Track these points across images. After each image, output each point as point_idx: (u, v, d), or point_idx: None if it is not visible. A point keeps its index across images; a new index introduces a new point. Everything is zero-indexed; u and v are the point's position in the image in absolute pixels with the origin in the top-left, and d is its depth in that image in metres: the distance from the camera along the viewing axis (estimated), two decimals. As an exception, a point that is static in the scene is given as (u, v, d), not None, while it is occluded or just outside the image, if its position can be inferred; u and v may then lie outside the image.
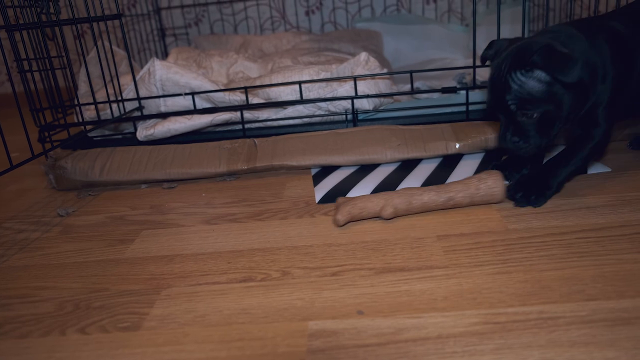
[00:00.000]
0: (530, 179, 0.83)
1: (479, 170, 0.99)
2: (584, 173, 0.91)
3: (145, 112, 1.24)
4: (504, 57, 0.77)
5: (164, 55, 2.40)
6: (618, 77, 0.80)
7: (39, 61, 1.28)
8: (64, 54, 1.30)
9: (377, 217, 0.82)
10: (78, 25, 1.17)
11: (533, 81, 0.74)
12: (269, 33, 2.34)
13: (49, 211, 1.02)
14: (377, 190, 0.94)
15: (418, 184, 0.94)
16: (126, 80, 1.41)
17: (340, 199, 0.84)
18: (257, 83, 1.25)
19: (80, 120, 1.27)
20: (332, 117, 1.22)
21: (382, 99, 1.22)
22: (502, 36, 1.19)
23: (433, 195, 0.80)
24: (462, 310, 0.56)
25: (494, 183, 0.81)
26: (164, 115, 1.22)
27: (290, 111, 1.22)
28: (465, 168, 1.00)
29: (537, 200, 0.80)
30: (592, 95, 0.79)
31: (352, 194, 0.93)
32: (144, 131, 1.20)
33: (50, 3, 1.22)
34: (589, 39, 0.79)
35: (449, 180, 0.95)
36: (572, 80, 0.71)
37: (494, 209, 0.81)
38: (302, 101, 1.19)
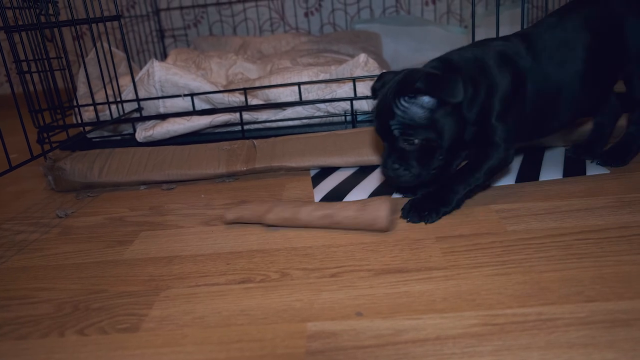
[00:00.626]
0: (429, 195, 0.82)
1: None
2: (487, 188, 0.90)
3: (144, 113, 1.24)
4: (390, 85, 0.79)
5: (163, 56, 2.40)
6: (508, 96, 0.80)
7: (38, 62, 1.28)
8: (63, 55, 1.30)
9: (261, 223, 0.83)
10: (77, 26, 1.16)
11: (416, 107, 0.76)
12: (268, 34, 2.34)
13: (48, 212, 1.02)
14: (377, 191, 0.94)
15: (417, 185, 0.94)
16: (125, 81, 1.41)
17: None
18: (257, 84, 1.25)
19: (79, 121, 1.27)
20: (331, 118, 1.22)
21: (381, 101, 1.22)
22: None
23: (316, 212, 0.79)
24: (461, 311, 0.56)
25: (376, 208, 0.76)
26: (163, 117, 1.22)
27: (290, 112, 1.22)
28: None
29: (429, 215, 0.79)
30: (471, 114, 0.79)
31: (351, 195, 0.94)
32: (143, 132, 1.20)
33: (49, 4, 1.22)
34: (475, 62, 0.81)
35: (448, 181, 0.95)
36: (459, 99, 0.73)
37: (493, 211, 0.81)
38: (301, 102, 1.19)
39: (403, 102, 0.76)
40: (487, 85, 0.79)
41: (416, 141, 0.77)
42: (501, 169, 0.84)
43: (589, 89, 0.86)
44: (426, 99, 0.75)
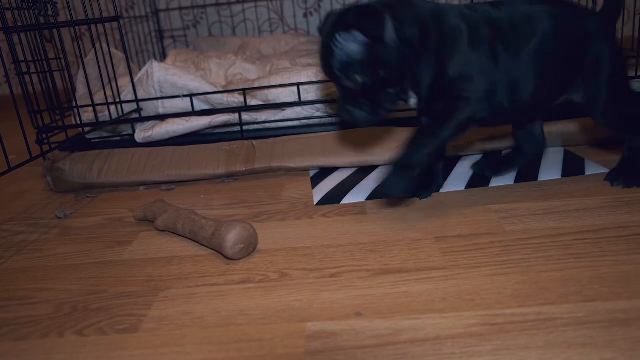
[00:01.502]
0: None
1: (477, 171, 0.99)
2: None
3: (144, 114, 1.24)
4: (328, 23, 0.76)
5: (162, 57, 2.40)
6: (467, 48, 0.76)
7: (37, 63, 1.28)
8: (62, 56, 1.30)
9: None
10: (76, 27, 1.17)
11: (352, 43, 0.72)
12: (267, 35, 2.34)
13: (47, 213, 1.02)
14: (376, 192, 0.94)
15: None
16: (124, 82, 1.41)
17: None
18: (256, 85, 1.25)
19: (79, 122, 1.27)
20: (330, 118, 1.22)
21: (380, 101, 1.22)
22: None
23: (187, 227, 0.79)
24: (460, 311, 0.56)
25: (222, 237, 0.72)
26: (162, 117, 1.22)
27: (289, 113, 1.22)
28: (464, 169, 1.01)
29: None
30: (426, 59, 0.76)
31: (350, 195, 0.94)
32: (142, 133, 1.20)
33: (48, 5, 1.22)
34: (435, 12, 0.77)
35: (447, 181, 0.95)
36: (388, 38, 0.71)
37: (492, 211, 0.81)
38: (300, 103, 1.19)
39: (339, 39, 0.73)
40: (442, 33, 0.76)
41: (359, 79, 0.74)
42: (472, 123, 0.78)
43: (544, 77, 0.81)
44: (359, 35, 0.72)
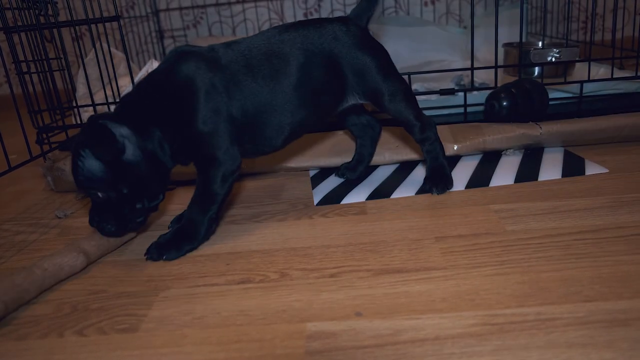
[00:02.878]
0: (176, 231, 0.79)
1: (476, 170, 0.99)
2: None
3: (144, 113, 1.24)
4: (76, 138, 0.75)
5: (163, 57, 2.40)
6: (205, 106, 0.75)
7: (37, 63, 1.28)
8: (62, 55, 1.30)
9: None
10: (76, 27, 1.17)
11: (91, 160, 0.72)
12: (267, 35, 2.33)
13: (47, 213, 1.02)
14: (376, 192, 0.94)
15: (416, 185, 0.94)
16: (124, 82, 1.41)
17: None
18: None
19: (79, 122, 1.27)
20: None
21: (380, 101, 1.22)
22: (500, 38, 1.20)
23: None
24: (460, 311, 0.56)
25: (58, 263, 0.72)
26: (162, 117, 1.21)
27: (289, 113, 1.22)
28: (463, 169, 1.01)
29: (169, 253, 0.76)
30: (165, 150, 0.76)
31: (350, 195, 0.94)
32: (142, 133, 1.20)
33: (49, 5, 1.22)
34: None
35: (447, 181, 0.95)
36: (127, 156, 0.72)
37: (492, 211, 0.81)
38: (300, 103, 1.19)
39: (82, 153, 0.72)
40: (176, 110, 0.76)
41: (100, 195, 0.73)
42: (233, 172, 0.78)
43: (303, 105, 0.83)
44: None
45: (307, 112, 0.83)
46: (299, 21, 0.87)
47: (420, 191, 0.91)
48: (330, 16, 2.35)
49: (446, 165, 0.93)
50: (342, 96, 0.87)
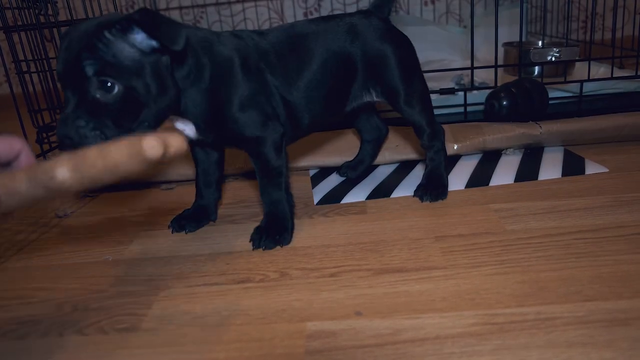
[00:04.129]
0: (270, 220, 0.79)
1: (476, 170, 0.99)
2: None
3: (144, 113, 1.24)
4: (89, 24, 0.62)
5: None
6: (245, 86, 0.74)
7: (37, 62, 1.28)
8: (62, 55, 1.30)
9: None
10: (76, 26, 1.16)
11: (124, 43, 0.61)
12: (267, 34, 2.33)
13: (47, 212, 1.02)
14: (376, 191, 0.94)
15: (416, 184, 0.94)
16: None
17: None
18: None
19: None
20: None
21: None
22: (500, 38, 1.20)
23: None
24: (460, 311, 0.56)
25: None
26: (162, 117, 1.21)
27: (289, 112, 1.22)
28: (463, 168, 1.01)
29: (282, 238, 0.77)
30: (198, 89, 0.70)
31: (350, 195, 0.94)
32: (142, 132, 1.20)
33: (48, 4, 1.22)
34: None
35: (448, 178, 0.95)
36: (178, 47, 0.60)
37: (492, 210, 0.81)
38: (300, 102, 1.19)
39: (107, 35, 0.60)
40: (216, 64, 0.72)
41: (116, 88, 0.60)
42: (281, 147, 0.78)
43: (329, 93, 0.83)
44: (140, 37, 0.61)
45: (324, 104, 0.83)
46: (322, 17, 0.88)
47: (414, 195, 0.91)
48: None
49: (445, 177, 0.91)
50: (358, 92, 0.86)
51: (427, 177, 0.92)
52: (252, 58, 0.76)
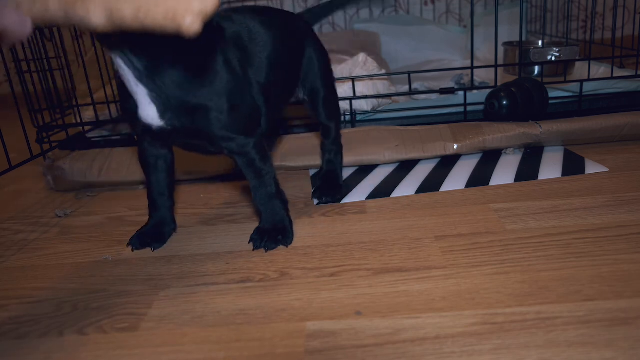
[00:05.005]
0: (268, 224, 0.78)
1: (476, 169, 0.99)
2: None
3: (144, 113, 1.23)
4: None
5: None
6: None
7: (37, 62, 1.28)
8: (62, 54, 1.30)
9: None
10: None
11: None
12: (267, 34, 2.33)
13: (47, 212, 1.02)
14: (376, 191, 0.94)
15: (416, 184, 0.95)
16: (124, 81, 1.40)
17: None
18: (256, 84, 1.25)
19: (79, 121, 1.27)
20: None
21: (380, 100, 1.22)
22: (500, 37, 1.20)
23: None
24: (460, 310, 0.56)
25: None
26: (162, 116, 1.21)
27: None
28: (463, 168, 1.01)
29: (285, 239, 0.76)
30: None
31: (350, 195, 0.94)
32: (142, 132, 1.20)
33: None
34: None
35: (447, 180, 0.95)
36: None
37: (492, 210, 0.81)
38: (300, 102, 1.19)
39: None
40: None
41: None
42: (263, 145, 0.74)
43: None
44: None
45: (282, 101, 0.85)
46: (264, 7, 0.86)
47: (313, 197, 0.92)
48: (331, 16, 2.35)
49: (341, 177, 0.96)
50: (297, 87, 0.89)
51: (324, 178, 0.95)
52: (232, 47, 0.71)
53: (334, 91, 0.93)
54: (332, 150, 0.95)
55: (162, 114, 0.65)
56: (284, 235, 0.76)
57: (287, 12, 0.91)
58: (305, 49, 0.88)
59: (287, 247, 0.76)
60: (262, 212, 0.78)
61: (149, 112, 0.65)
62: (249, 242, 0.77)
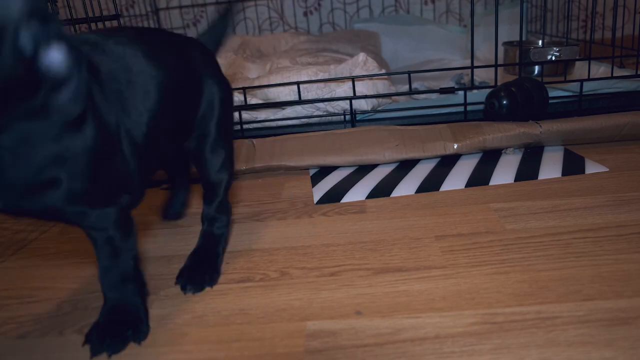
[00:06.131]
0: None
1: (476, 169, 0.99)
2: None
3: (144, 112, 1.23)
4: None
5: (162, 55, 2.39)
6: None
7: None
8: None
9: None
10: (76, 25, 1.16)
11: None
12: (267, 34, 2.33)
13: (47, 212, 1.02)
14: (376, 190, 0.94)
15: (416, 183, 0.95)
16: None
17: None
18: (256, 83, 1.25)
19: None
20: (330, 117, 1.22)
21: (380, 100, 1.22)
22: (500, 37, 1.20)
23: None
24: (460, 310, 0.56)
25: None
26: (162, 116, 1.21)
27: (289, 112, 1.22)
28: (463, 168, 1.01)
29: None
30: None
31: (350, 194, 0.94)
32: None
33: (48, 3, 1.22)
34: None
35: (447, 179, 0.95)
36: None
37: (492, 210, 0.81)
38: (300, 102, 1.19)
39: None
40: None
41: None
42: (128, 224, 0.58)
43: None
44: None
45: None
46: (148, 31, 0.67)
47: (177, 283, 0.68)
48: (331, 16, 2.36)
49: (221, 258, 0.72)
50: (189, 137, 0.70)
51: (196, 257, 0.71)
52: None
53: (229, 138, 0.73)
54: (217, 220, 0.74)
55: None
56: (136, 329, 0.56)
57: (181, 36, 0.71)
58: (202, 87, 0.68)
59: (139, 344, 0.56)
60: (108, 299, 0.58)
61: None
62: (82, 345, 0.57)
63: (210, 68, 0.71)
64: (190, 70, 0.67)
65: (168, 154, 0.67)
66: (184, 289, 0.66)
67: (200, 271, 0.68)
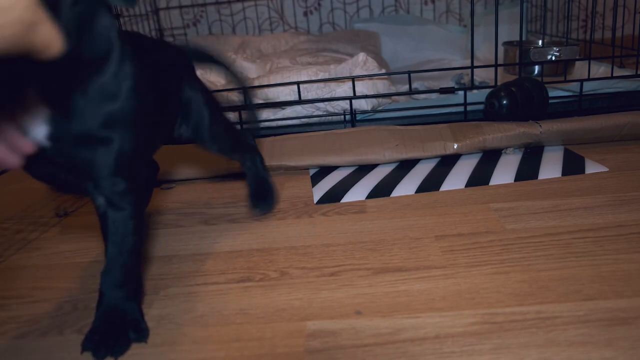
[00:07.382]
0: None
1: (476, 169, 0.99)
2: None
3: (144, 112, 1.23)
4: None
5: (162, 55, 2.39)
6: None
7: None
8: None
9: None
10: (76, 25, 1.16)
11: None
12: (267, 34, 2.33)
13: (47, 211, 1.02)
14: (376, 190, 0.94)
15: (416, 183, 0.95)
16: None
17: None
18: (256, 83, 1.25)
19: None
20: (330, 117, 1.22)
21: (380, 100, 1.22)
22: (500, 37, 1.20)
23: None
24: (460, 310, 0.56)
25: None
26: (162, 116, 1.21)
27: (289, 112, 1.22)
28: (463, 168, 1.01)
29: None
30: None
31: (350, 194, 0.94)
32: (142, 132, 1.20)
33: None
34: None
35: (447, 179, 0.95)
36: None
37: (492, 210, 0.81)
38: (300, 102, 1.19)
39: None
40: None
41: None
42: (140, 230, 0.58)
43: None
44: None
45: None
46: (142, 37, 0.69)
47: None
48: (331, 15, 2.36)
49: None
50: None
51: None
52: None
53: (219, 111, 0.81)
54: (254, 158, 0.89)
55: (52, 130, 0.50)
56: (137, 329, 0.57)
57: (167, 42, 0.77)
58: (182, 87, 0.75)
59: (146, 342, 0.56)
60: (105, 298, 0.57)
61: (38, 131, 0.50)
62: (81, 353, 0.55)
63: (190, 78, 0.78)
64: (174, 75, 0.72)
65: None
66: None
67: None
